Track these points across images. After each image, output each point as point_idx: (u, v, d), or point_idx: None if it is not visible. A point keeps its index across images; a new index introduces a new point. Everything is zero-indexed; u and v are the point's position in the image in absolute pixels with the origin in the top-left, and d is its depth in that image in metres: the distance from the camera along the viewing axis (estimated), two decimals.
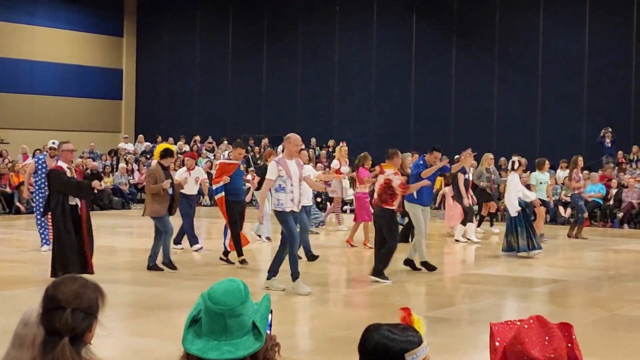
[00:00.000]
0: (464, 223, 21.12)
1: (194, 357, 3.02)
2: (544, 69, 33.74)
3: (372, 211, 15.94)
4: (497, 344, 2.90)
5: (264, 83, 39.25)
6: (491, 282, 15.28)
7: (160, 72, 41.57)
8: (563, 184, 26.98)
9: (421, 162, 16.33)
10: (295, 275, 13.24)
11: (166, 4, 41.54)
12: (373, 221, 15.17)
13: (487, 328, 9.32)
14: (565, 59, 33.26)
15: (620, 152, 30.56)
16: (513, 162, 19.34)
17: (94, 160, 33.52)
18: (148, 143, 37.11)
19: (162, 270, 15.44)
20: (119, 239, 22.34)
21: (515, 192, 18.68)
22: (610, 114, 31.99)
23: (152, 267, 15.43)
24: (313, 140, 35.99)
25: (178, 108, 40.81)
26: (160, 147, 16.46)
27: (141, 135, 38.08)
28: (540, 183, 21.63)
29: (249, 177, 20.15)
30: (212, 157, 35.52)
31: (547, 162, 22.04)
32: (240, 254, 16.19)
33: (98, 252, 17.10)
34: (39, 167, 18.02)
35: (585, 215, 23.53)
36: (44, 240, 17.77)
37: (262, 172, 19.37)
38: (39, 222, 17.86)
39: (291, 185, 13.24)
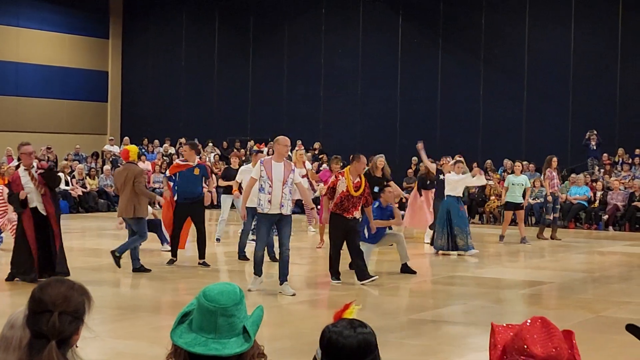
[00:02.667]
0: (432, 227, 20.81)
1: (181, 351, 3.04)
2: (530, 72, 33.82)
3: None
4: (498, 342, 2.91)
5: (249, 85, 39.23)
6: (476, 284, 15.31)
7: (146, 75, 41.49)
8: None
9: (376, 204, 15.93)
10: (256, 274, 13.63)
11: (152, 6, 41.48)
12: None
13: (473, 330, 9.38)
14: (551, 62, 33.34)
15: (605, 154, 30.65)
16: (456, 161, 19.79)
17: (79, 163, 33.42)
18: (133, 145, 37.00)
19: (149, 270, 15.41)
20: (104, 241, 22.24)
21: (452, 189, 19.00)
22: (596, 116, 32.08)
23: (138, 268, 15.41)
24: (299, 142, 35.97)
25: (164, 110, 40.73)
26: (133, 148, 16.42)
27: (127, 138, 37.95)
28: (513, 185, 21.92)
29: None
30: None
31: (520, 164, 22.49)
32: (173, 254, 16.44)
33: (84, 255, 17.12)
34: None
35: (551, 217, 23.57)
36: None
37: (228, 175, 19.54)
38: None
39: (270, 187, 13.24)
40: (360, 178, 14.66)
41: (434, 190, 21.01)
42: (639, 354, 9.55)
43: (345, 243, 14.62)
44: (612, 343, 10.65)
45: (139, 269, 15.38)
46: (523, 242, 21.77)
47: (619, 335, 11.03)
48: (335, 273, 14.67)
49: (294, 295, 13.33)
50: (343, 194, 14.40)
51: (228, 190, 19.74)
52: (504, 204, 22.83)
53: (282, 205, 13.35)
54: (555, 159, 23.21)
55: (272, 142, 35.77)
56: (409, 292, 14.63)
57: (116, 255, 15.29)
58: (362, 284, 14.45)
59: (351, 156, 15.19)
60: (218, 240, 20.34)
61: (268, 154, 29.09)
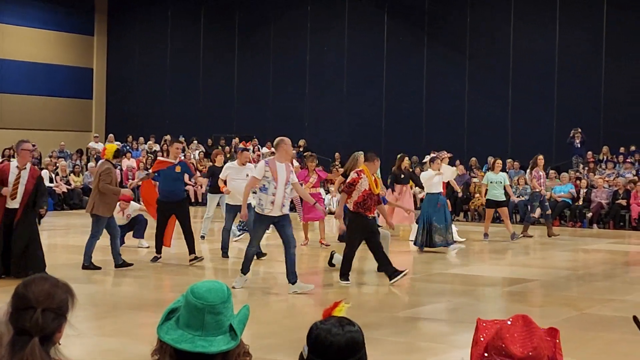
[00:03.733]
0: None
1: (167, 347, 3.04)
2: (515, 70, 33.89)
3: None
4: (482, 338, 2.91)
5: (235, 82, 39.20)
6: (460, 281, 15.32)
7: (131, 72, 41.41)
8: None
9: None
10: (243, 271, 13.50)
11: (138, 3, 41.40)
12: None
13: (456, 328, 9.38)
14: (536, 60, 33.41)
15: (589, 152, 30.73)
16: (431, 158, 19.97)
17: (64, 160, 33.33)
18: (118, 142, 36.93)
19: (131, 265, 15.38)
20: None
21: (428, 187, 19.26)
22: (580, 114, 32.17)
23: (121, 264, 15.36)
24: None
25: (149, 107, 40.67)
26: (111, 147, 16.27)
27: (111, 135, 37.86)
28: (492, 182, 21.96)
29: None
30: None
31: (499, 162, 22.51)
32: (158, 251, 16.39)
33: (67, 252, 17.07)
34: None
35: (536, 215, 23.69)
36: None
37: (214, 173, 19.45)
38: None
39: (275, 187, 13.12)
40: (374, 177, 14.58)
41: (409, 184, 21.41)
42: (623, 351, 9.59)
43: (365, 243, 14.48)
44: (596, 340, 10.68)
45: (121, 264, 15.33)
46: (513, 238, 21.76)
47: (603, 333, 11.08)
48: (346, 274, 14.42)
49: (312, 288, 13.36)
50: (366, 193, 14.17)
51: (215, 189, 19.62)
52: (485, 202, 22.87)
53: (284, 206, 13.28)
54: (541, 157, 23.27)
55: (255, 139, 35.62)
56: (391, 290, 14.63)
57: (126, 262, 15.36)
58: (393, 283, 14.31)
59: (367, 154, 14.97)
60: (203, 237, 20.31)
61: (254, 151, 29.03)
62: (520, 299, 13.75)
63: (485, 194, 22.77)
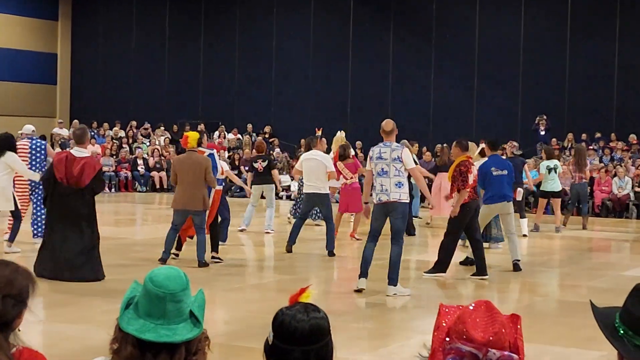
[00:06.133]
0: None
1: (128, 336, 3.02)
2: (480, 57, 34.00)
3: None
4: (444, 324, 2.92)
5: (201, 68, 39.05)
6: (424, 267, 15.38)
7: (95, 57, 41.11)
8: None
9: None
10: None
11: None
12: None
13: (420, 313, 9.39)
14: (501, 47, 33.54)
15: (554, 139, 30.90)
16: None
17: None
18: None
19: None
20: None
21: None
22: (545, 101, 32.35)
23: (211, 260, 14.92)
24: (249, 126, 35.92)
25: (114, 93, 40.41)
26: (194, 134, 15.11)
27: (76, 121, 37.54)
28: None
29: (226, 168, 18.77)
30: (148, 143, 35.28)
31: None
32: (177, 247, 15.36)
33: (31, 237, 16.92)
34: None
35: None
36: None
37: None
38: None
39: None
40: None
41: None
42: (586, 336, 9.67)
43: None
44: (558, 326, 10.77)
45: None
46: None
47: (566, 318, 11.17)
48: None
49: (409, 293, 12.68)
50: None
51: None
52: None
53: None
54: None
55: (223, 126, 35.31)
56: (353, 275, 14.64)
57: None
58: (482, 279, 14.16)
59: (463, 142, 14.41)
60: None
61: (219, 137, 28.81)
62: (484, 285, 13.81)
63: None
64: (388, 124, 12.87)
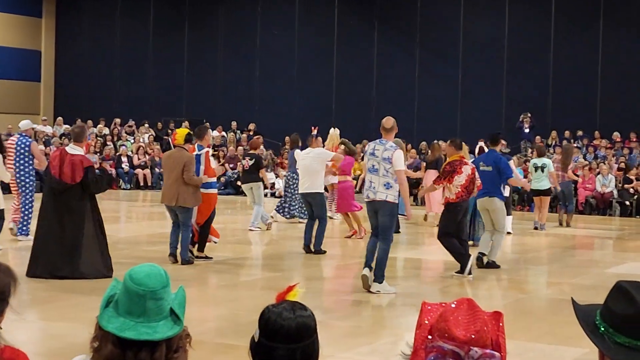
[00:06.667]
0: None
1: (108, 334, 3.01)
2: (465, 55, 34.05)
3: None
4: (427, 321, 2.92)
5: (185, 66, 38.98)
6: (409, 265, 15.39)
7: (80, 54, 40.98)
8: None
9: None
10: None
11: None
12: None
13: (404, 311, 9.39)
14: (485, 45, 33.61)
15: (538, 137, 30.97)
16: None
17: None
18: (67, 126, 36.60)
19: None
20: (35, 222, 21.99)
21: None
22: (529, 99, 32.43)
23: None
24: (234, 123, 35.86)
25: (98, 90, 40.29)
26: (182, 131, 15.17)
27: (60, 118, 37.53)
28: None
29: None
30: (132, 140, 35.20)
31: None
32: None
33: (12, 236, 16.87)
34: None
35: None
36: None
37: None
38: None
39: None
40: None
41: None
42: (568, 334, 9.69)
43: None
44: (541, 323, 10.79)
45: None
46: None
47: (549, 316, 11.20)
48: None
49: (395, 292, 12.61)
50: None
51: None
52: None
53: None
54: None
55: (207, 123, 35.33)
56: (339, 274, 14.65)
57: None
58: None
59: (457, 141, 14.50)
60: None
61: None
62: (467, 282, 13.83)
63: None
64: (388, 121, 12.88)
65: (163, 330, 3.01)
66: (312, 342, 3.09)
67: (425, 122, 33.79)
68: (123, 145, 34.58)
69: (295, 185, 19.88)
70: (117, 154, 33.36)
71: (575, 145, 30.00)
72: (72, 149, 13.13)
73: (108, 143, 34.46)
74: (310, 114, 34.99)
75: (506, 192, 19.04)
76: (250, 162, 19.29)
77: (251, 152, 19.96)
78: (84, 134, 13.52)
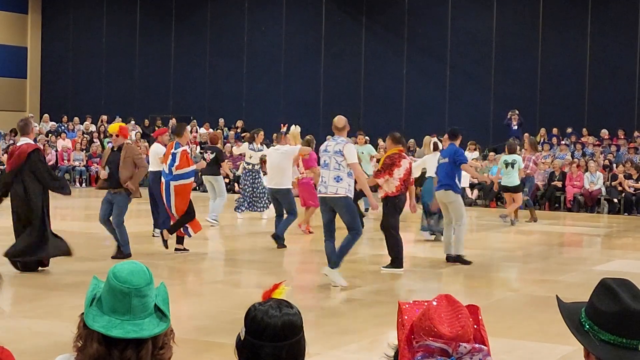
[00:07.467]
0: None
1: (93, 333, 2.97)
2: (453, 52, 34.06)
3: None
4: (406, 319, 2.89)
5: (172, 63, 38.90)
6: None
7: (66, 51, 40.88)
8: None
9: None
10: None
11: None
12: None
13: (391, 309, 9.34)
14: (473, 42, 33.63)
15: (526, 134, 30.99)
16: None
17: None
18: (54, 123, 36.53)
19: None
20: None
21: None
22: (517, 96, 32.46)
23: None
24: (221, 120, 35.80)
25: (85, 87, 40.21)
26: (114, 126, 15.72)
27: (46, 115, 37.44)
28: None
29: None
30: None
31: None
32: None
33: (0, 233, 16.78)
34: None
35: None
36: None
37: None
38: None
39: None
40: None
41: None
42: (556, 331, 9.66)
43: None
44: (529, 321, 10.77)
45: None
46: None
47: (537, 313, 11.17)
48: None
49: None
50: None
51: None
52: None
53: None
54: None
55: (194, 120, 35.21)
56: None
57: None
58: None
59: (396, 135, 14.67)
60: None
61: (191, 132, 28.62)
62: (455, 279, 13.82)
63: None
64: (340, 120, 13.10)
65: (149, 327, 3.00)
66: (299, 340, 3.09)
67: (412, 119, 33.80)
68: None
69: (252, 180, 19.83)
70: (104, 151, 33.22)
71: (563, 142, 30.08)
72: (21, 141, 13.50)
73: (95, 140, 34.36)
74: (298, 110, 35.00)
75: (463, 183, 19.23)
76: (211, 156, 19.60)
77: (212, 145, 20.47)
78: (29, 125, 13.77)
